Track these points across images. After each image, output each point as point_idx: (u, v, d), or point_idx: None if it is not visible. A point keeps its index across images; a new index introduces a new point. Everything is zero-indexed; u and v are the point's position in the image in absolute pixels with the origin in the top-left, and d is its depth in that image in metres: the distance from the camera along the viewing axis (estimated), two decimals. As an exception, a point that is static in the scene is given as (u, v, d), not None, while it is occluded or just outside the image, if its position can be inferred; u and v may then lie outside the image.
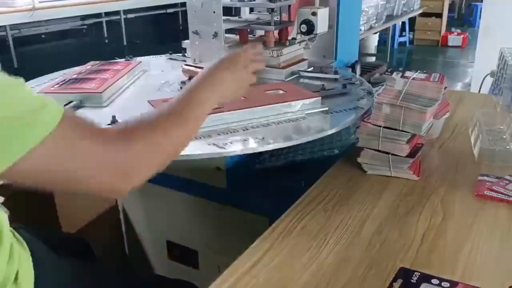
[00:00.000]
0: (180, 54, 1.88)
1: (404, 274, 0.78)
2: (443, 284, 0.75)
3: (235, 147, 1.06)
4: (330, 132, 1.16)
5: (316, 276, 0.79)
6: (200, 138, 1.10)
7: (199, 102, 0.84)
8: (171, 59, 1.90)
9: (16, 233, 0.82)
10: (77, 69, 1.61)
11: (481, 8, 4.10)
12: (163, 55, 1.95)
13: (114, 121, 1.13)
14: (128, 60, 1.77)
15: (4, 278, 0.72)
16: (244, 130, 1.15)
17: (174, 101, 0.83)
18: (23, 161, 0.58)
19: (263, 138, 1.10)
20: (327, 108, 1.26)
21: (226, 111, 1.17)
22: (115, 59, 1.83)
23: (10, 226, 0.78)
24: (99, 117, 1.18)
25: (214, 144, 1.06)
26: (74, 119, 0.67)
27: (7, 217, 0.77)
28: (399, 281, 0.76)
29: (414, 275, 0.77)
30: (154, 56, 1.96)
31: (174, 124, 0.78)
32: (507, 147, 1.19)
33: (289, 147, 1.37)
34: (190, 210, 1.43)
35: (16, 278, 0.75)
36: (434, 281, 0.76)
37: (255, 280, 0.78)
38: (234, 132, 1.14)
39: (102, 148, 0.66)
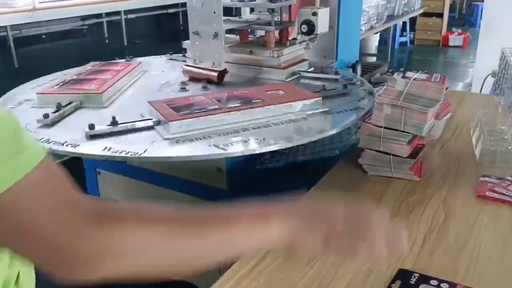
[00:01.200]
0: (180, 55, 1.88)
1: (403, 275, 0.77)
2: (442, 285, 0.75)
3: (236, 148, 1.06)
4: (331, 132, 1.16)
5: (317, 278, 0.78)
6: (201, 139, 1.09)
7: (225, 225, 0.63)
8: (171, 59, 1.90)
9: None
10: (77, 69, 1.60)
11: (482, 8, 4.10)
12: (163, 56, 1.95)
13: (114, 122, 1.12)
14: (128, 61, 1.77)
15: (6, 280, 0.72)
16: (244, 131, 1.15)
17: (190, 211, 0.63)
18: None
19: (263, 139, 1.10)
20: (327, 109, 1.26)
21: (226, 112, 1.17)
22: (115, 59, 1.83)
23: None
24: (99, 117, 1.18)
25: (214, 145, 1.06)
26: (52, 171, 0.55)
27: None
28: (398, 282, 0.76)
29: (413, 276, 0.77)
30: (154, 56, 1.95)
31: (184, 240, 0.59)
32: (509, 147, 1.18)
33: (290, 148, 1.36)
34: (190, 211, 1.43)
35: (17, 280, 0.74)
36: (433, 282, 0.76)
37: (256, 283, 0.78)
38: (235, 133, 1.13)
39: (70, 221, 0.53)
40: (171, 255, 0.58)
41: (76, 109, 1.29)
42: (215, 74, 1.48)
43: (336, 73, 1.57)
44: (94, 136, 1.09)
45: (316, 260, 0.83)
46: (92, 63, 1.68)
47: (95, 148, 1.04)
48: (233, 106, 1.20)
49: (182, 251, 0.59)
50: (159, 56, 1.96)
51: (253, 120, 1.19)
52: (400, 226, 0.84)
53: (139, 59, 1.81)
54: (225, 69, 1.51)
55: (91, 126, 1.10)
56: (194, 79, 1.55)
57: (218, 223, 0.61)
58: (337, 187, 1.08)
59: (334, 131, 1.16)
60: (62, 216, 0.53)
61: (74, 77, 1.48)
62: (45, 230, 0.52)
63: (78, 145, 1.05)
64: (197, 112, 1.16)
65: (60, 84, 1.41)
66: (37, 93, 1.34)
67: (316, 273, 0.80)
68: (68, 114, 1.25)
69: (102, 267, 0.54)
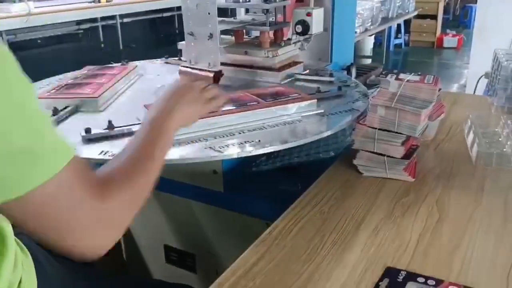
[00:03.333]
0: (176, 58, 1.89)
1: (391, 273, 0.78)
2: (428, 282, 0.76)
3: (232, 151, 1.06)
4: (325, 134, 1.16)
5: (313, 278, 0.79)
6: (197, 141, 1.10)
7: (164, 133, 0.86)
8: (167, 63, 1.90)
9: (18, 241, 0.82)
10: (73, 74, 1.61)
11: (475, 10, 4.12)
12: (158, 59, 1.95)
13: (110, 126, 1.13)
14: (124, 65, 1.77)
15: (8, 286, 0.72)
16: (240, 133, 1.15)
17: (139, 140, 0.83)
18: (18, 201, 0.55)
19: (259, 141, 1.11)
20: (322, 111, 1.27)
21: (222, 115, 1.18)
22: (111, 63, 1.83)
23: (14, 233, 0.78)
24: (96, 121, 1.18)
25: (210, 148, 1.07)
26: (79, 165, 0.64)
27: (11, 225, 0.77)
28: (386, 280, 0.77)
29: (400, 274, 0.78)
30: (150, 60, 1.96)
31: (147, 168, 0.78)
32: (504, 149, 1.19)
33: (285, 150, 1.37)
34: (187, 213, 1.44)
35: (19, 285, 0.75)
36: (420, 279, 0.77)
37: (252, 283, 0.78)
38: (231, 135, 1.14)
39: (87, 205, 0.63)
40: (148, 184, 0.77)
41: (72, 113, 1.29)
42: (211, 75, 1.49)
43: (331, 75, 1.58)
44: (91, 140, 1.10)
45: (312, 261, 0.83)
46: (87, 67, 1.69)
47: (92, 152, 1.04)
48: (228, 108, 1.21)
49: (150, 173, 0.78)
50: (154, 59, 1.97)
51: (248, 122, 1.20)
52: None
53: (134, 63, 1.82)
54: (221, 71, 1.51)
55: (88, 130, 1.10)
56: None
57: (153, 146, 0.82)
58: (332, 188, 1.08)
59: (329, 133, 1.17)
60: (81, 201, 0.62)
61: (70, 81, 1.49)
62: (66, 214, 0.60)
63: (75, 149, 1.05)
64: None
65: (56, 88, 1.41)
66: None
67: (312, 273, 0.80)
68: (65, 119, 1.26)
69: (113, 234, 0.68)
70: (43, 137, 0.58)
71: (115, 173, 0.73)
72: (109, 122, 1.13)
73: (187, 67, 1.57)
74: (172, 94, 0.96)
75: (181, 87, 1.00)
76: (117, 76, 1.54)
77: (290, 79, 1.60)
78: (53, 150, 0.58)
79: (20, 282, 0.74)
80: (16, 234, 0.81)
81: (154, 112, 0.91)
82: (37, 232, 0.61)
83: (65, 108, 1.28)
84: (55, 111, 1.25)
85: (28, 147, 0.55)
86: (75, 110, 1.31)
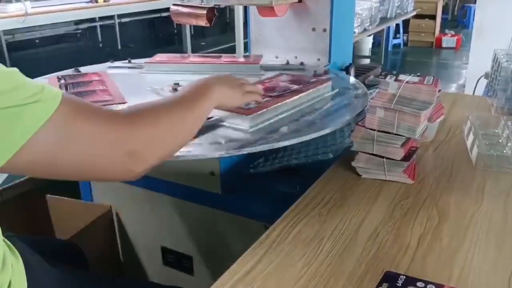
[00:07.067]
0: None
1: (390, 277, 0.77)
2: (428, 286, 0.75)
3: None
4: (323, 132, 1.14)
5: (311, 282, 0.78)
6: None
7: (204, 96, 0.88)
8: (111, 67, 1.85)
9: (8, 242, 0.80)
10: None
11: (474, 10, 4.11)
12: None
13: None
14: (128, 63, 1.76)
15: None
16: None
17: (178, 93, 0.88)
18: (26, 150, 0.57)
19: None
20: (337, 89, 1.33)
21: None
22: (110, 61, 1.81)
23: (2, 234, 0.77)
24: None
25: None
26: (74, 101, 0.65)
27: None
28: (385, 285, 0.76)
29: (399, 279, 0.77)
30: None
31: (178, 111, 0.80)
32: (504, 151, 1.18)
33: (283, 151, 1.36)
34: (184, 215, 1.42)
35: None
36: (420, 284, 0.75)
37: (250, 287, 0.77)
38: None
39: (109, 128, 0.66)
40: (183, 123, 0.81)
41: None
42: (204, 12, 1.42)
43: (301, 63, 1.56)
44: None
45: (311, 264, 0.82)
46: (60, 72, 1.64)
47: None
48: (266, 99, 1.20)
49: (185, 119, 0.82)
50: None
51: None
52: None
53: (136, 61, 1.79)
54: (214, 9, 1.44)
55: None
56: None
57: (192, 104, 0.85)
58: (331, 190, 1.07)
59: (327, 131, 1.15)
60: (105, 119, 0.66)
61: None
62: (96, 134, 0.65)
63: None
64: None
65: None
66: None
67: (311, 277, 0.79)
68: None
69: (150, 155, 0.72)
70: (20, 92, 0.58)
71: (145, 106, 0.77)
72: None
73: (179, 5, 1.51)
74: (213, 76, 0.98)
75: (223, 75, 1.05)
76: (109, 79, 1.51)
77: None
78: (35, 102, 0.59)
79: (9, 284, 0.73)
80: (7, 237, 0.80)
81: (195, 82, 0.93)
82: (62, 174, 0.65)
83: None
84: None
85: (4, 107, 0.56)
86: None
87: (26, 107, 0.57)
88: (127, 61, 1.80)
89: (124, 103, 1.27)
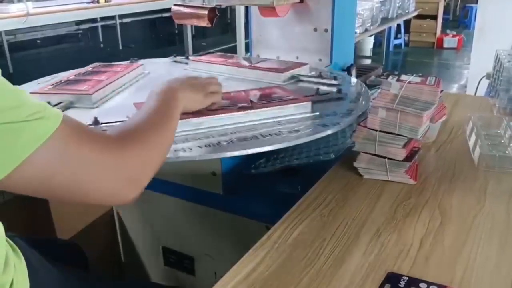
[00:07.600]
0: (184, 57, 1.86)
1: (392, 278, 0.77)
2: (430, 287, 0.75)
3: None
4: (324, 134, 1.14)
5: (313, 283, 0.78)
6: (192, 141, 1.07)
7: (175, 100, 0.91)
8: (175, 61, 1.87)
9: (10, 242, 0.80)
10: (77, 70, 1.58)
11: (476, 10, 4.11)
12: (167, 58, 1.91)
13: (96, 122, 1.09)
14: (133, 62, 1.75)
15: None
16: (232, 133, 1.12)
17: (151, 105, 0.87)
18: (21, 168, 0.57)
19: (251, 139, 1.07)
20: (318, 113, 1.23)
21: (220, 114, 1.15)
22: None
23: (5, 234, 0.77)
24: (87, 118, 1.15)
25: (206, 146, 1.04)
26: (74, 123, 0.66)
27: (2, 226, 0.75)
28: (387, 286, 0.75)
29: (402, 280, 0.76)
30: (158, 58, 1.93)
31: (160, 127, 0.81)
32: (506, 152, 1.18)
33: (284, 152, 1.36)
34: (185, 216, 1.42)
35: (11, 287, 0.73)
36: (422, 285, 0.75)
37: (251, 288, 0.77)
38: (225, 135, 1.11)
39: (107, 155, 0.66)
40: (167, 139, 0.82)
41: (66, 108, 1.27)
42: (206, 12, 1.41)
43: (335, 78, 1.54)
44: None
45: (312, 265, 0.82)
46: (94, 64, 1.66)
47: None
48: (221, 109, 1.18)
49: (167, 134, 0.83)
50: (163, 58, 1.93)
51: (245, 122, 1.17)
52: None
53: (142, 61, 1.79)
54: (216, 10, 1.43)
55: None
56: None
57: (167, 116, 0.87)
58: (333, 191, 1.07)
59: (328, 132, 1.14)
60: (98, 144, 0.66)
61: (72, 77, 1.47)
62: (90, 158, 0.64)
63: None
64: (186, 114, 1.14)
65: (55, 84, 1.39)
66: (30, 93, 1.33)
67: (312, 278, 0.79)
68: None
69: (145, 177, 0.73)
70: (23, 109, 0.58)
71: (130, 127, 0.77)
72: (95, 118, 1.10)
73: (180, 5, 1.50)
74: (175, 79, 1.00)
75: (184, 76, 1.06)
76: (119, 73, 1.52)
77: (293, 80, 1.56)
78: (37, 119, 0.59)
79: (12, 284, 0.73)
80: (10, 237, 0.80)
81: (159, 88, 0.94)
82: (53, 194, 0.64)
83: (59, 103, 1.26)
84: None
85: (7, 122, 0.56)
86: (69, 105, 1.28)
87: (29, 124, 0.58)
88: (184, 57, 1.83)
89: (89, 94, 1.29)
